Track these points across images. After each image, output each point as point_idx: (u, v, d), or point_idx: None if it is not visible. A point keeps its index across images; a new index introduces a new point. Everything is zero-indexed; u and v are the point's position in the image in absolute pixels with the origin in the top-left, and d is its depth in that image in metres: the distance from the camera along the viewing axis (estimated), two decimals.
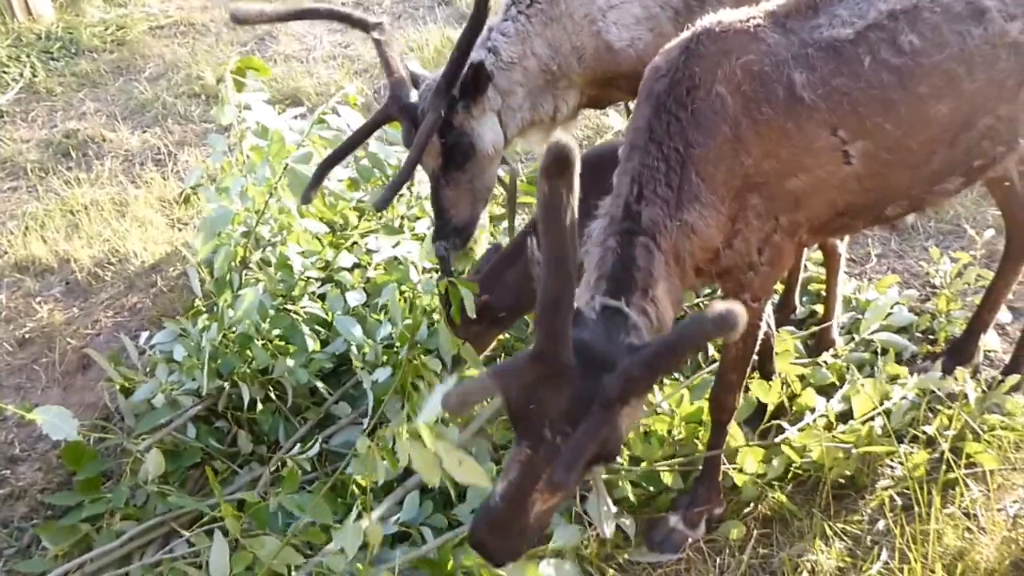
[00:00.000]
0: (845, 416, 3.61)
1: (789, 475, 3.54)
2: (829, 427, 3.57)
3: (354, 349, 3.90)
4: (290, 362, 3.87)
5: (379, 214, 4.96)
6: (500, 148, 3.96)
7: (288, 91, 7.30)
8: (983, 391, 3.74)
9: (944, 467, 3.39)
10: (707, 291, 4.38)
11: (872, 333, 4.15)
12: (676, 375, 4.04)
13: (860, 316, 4.29)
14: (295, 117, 4.77)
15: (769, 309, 3.67)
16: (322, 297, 4.29)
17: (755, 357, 3.62)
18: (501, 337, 4.08)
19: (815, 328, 4.27)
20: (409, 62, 4.02)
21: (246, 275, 4.20)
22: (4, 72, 7.96)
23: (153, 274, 5.30)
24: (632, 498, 3.43)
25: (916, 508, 3.29)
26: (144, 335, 4.56)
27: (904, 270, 4.85)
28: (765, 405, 3.60)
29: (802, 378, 3.85)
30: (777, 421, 3.57)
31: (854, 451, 3.47)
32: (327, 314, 4.20)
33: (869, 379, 3.69)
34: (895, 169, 2.99)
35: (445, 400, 2.24)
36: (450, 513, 3.41)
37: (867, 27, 2.89)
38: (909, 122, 2.92)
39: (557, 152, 2.04)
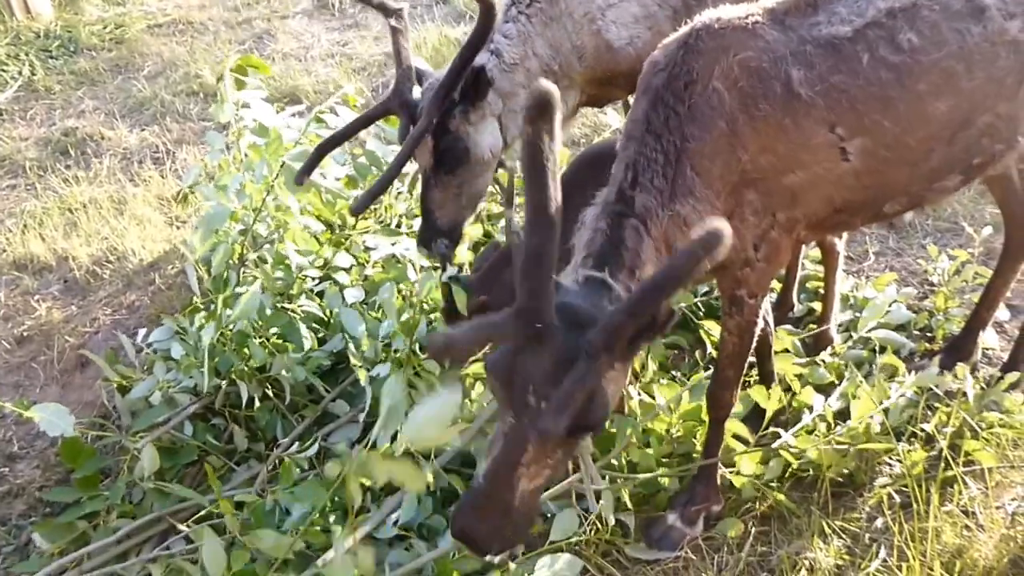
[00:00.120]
0: (843, 414, 3.61)
1: (787, 474, 3.54)
2: (828, 427, 3.56)
3: (351, 346, 3.89)
4: (288, 360, 3.87)
5: (378, 213, 4.96)
6: (497, 153, 3.96)
7: (286, 89, 7.30)
8: (981, 389, 3.74)
9: (943, 465, 3.39)
10: (704, 290, 4.38)
11: (870, 331, 4.15)
12: (675, 375, 4.04)
13: (858, 314, 4.28)
14: (293, 115, 4.77)
15: (768, 307, 3.67)
16: (320, 295, 4.29)
17: (754, 356, 3.64)
18: None
19: (813, 326, 4.27)
20: (416, 58, 4.01)
21: (244, 273, 4.20)
22: (3, 70, 7.97)
23: (151, 272, 5.30)
24: (628, 499, 3.42)
25: (915, 506, 3.28)
26: (142, 333, 4.55)
27: (902, 268, 4.85)
28: (764, 407, 3.59)
29: (800, 377, 3.85)
30: (775, 429, 3.56)
31: (852, 449, 3.47)
32: (325, 312, 4.20)
33: (868, 377, 3.69)
34: (893, 166, 2.99)
35: (430, 341, 2.22)
36: (449, 512, 3.40)
37: (866, 25, 2.88)
38: (908, 119, 2.91)
39: (538, 96, 2.06)
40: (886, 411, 3.54)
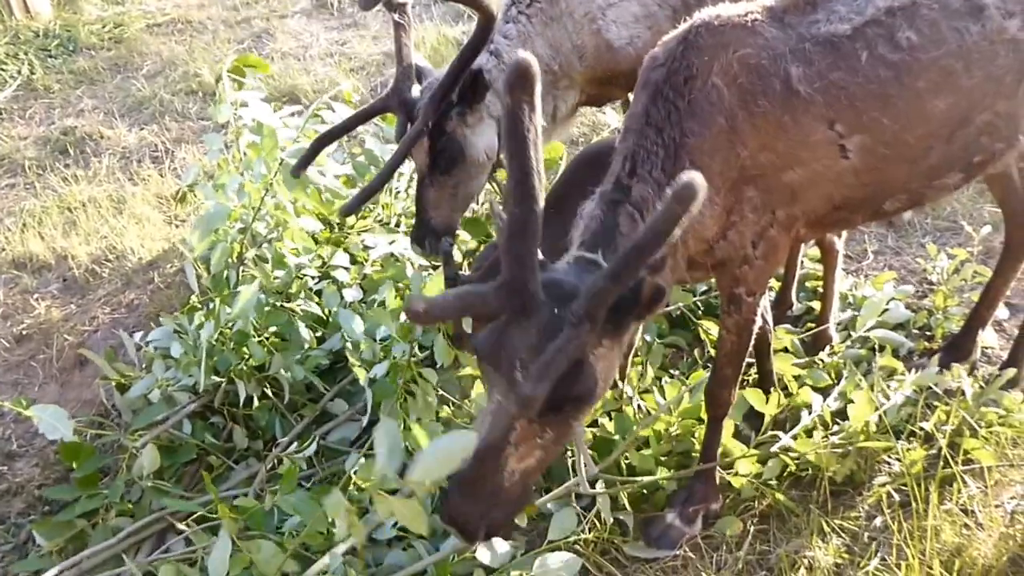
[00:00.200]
0: (842, 413, 3.61)
1: (786, 472, 3.53)
2: (826, 427, 3.56)
3: (349, 346, 3.89)
4: (286, 359, 3.87)
5: (376, 212, 4.96)
6: (493, 155, 3.97)
7: (285, 88, 7.30)
8: (980, 387, 3.73)
9: (942, 463, 3.38)
10: (703, 289, 4.38)
11: (869, 330, 4.14)
12: (674, 374, 4.04)
13: (857, 313, 4.28)
14: (291, 114, 4.77)
15: (767, 305, 3.67)
16: (318, 294, 4.29)
17: (753, 355, 3.64)
18: None
19: (812, 325, 4.27)
20: (416, 56, 4.01)
21: (243, 272, 4.20)
22: (2, 69, 7.97)
23: (150, 271, 5.30)
24: (626, 498, 3.42)
25: (914, 504, 3.27)
26: (141, 331, 4.55)
27: (901, 267, 4.85)
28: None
29: (798, 376, 3.85)
30: (775, 432, 3.55)
31: (851, 449, 3.47)
32: (323, 311, 4.20)
33: (867, 376, 3.69)
34: (892, 164, 2.99)
35: (409, 304, 2.21)
36: None
37: (865, 23, 2.89)
38: (907, 117, 2.92)
39: (519, 67, 2.06)
40: (885, 410, 3.54)
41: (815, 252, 4.53)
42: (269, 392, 3.93)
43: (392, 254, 4.37)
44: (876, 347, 4.07)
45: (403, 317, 3.76)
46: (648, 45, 3.77)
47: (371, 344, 3.83)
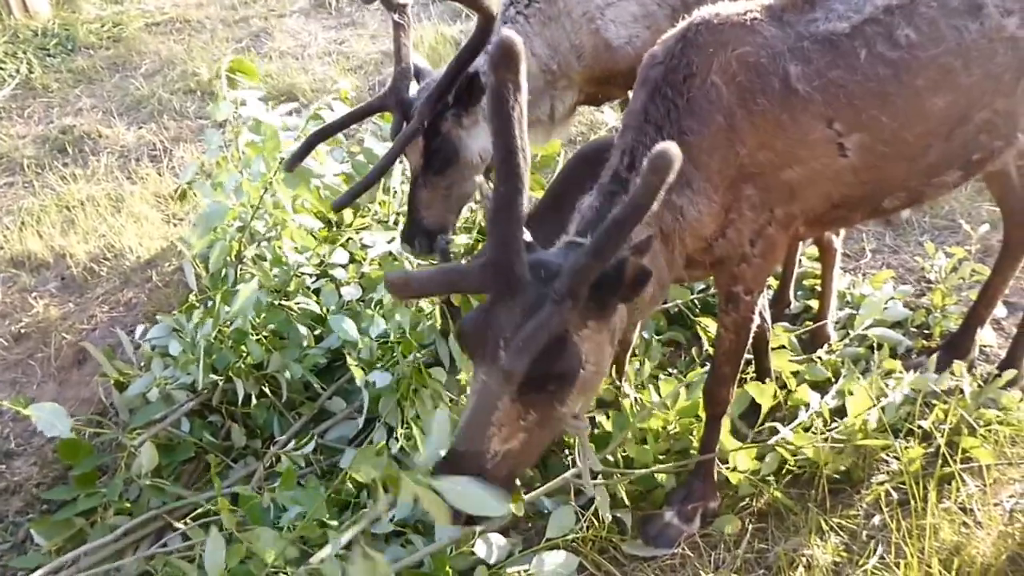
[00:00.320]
0: (840, 411, 3.61)
1: (784, 470, 3.54)
2: (824, 423, 3.56)
3: (348, 346, 3.89)
4: (285, 357, 3.87)
5: (374, 210, 4.96)
6: (487, 157, 3.96)
7: (283, 87, 7.30)
8: (979, 386, 3.74)
9: (940, 462, 3.38)
10: (701, 287, 4.37)
11: (867, 328, 4.14)
12: (672, 372, 4.04)
13: (855, 311, 4.28)
14: (290, 113, 4.77)
15: (764, 303, 3.67)
16: (317, 292, 4.28)
17: (751, 353, 3.64)
18: None
19: (810, 323, 4.27)
20: (415, 56, 4.02)
21: (241, 270, 4.20)
22: (1, 68, 7.96)
23: (148, 269, 5.29)
24: (625, 496, 3.41)
25: (912, 503, 3.27)
26: (139, 330, 4.53)
27: (899, 265, 4.85)
28: (760, 404, 3.59)
29: (796, 374, 3.85)
30: (772, 424, 3.56)
31: (849, 446, 3.47)
32: (322, 309, 4.20)
33: (865, 374, 3.69)
34: (891, 162, 2.99)
35: (391, 278, 2.21)
36: None
37: (863, 21, 2.89)
38: (905, 115, 2.92)
39: (503, 46, 2.06)
40: (883, 408, 3.54)
41: (813, 250, 4.53)
42: (267, 390, 3.93)
43: (390, 252, 4.37)
44: (874, 345, 4.07)
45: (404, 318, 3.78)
46: (647, 44, 3.78)
47: (368, 343, 3.83)
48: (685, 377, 3.75)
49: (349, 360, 3.74)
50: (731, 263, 3.03)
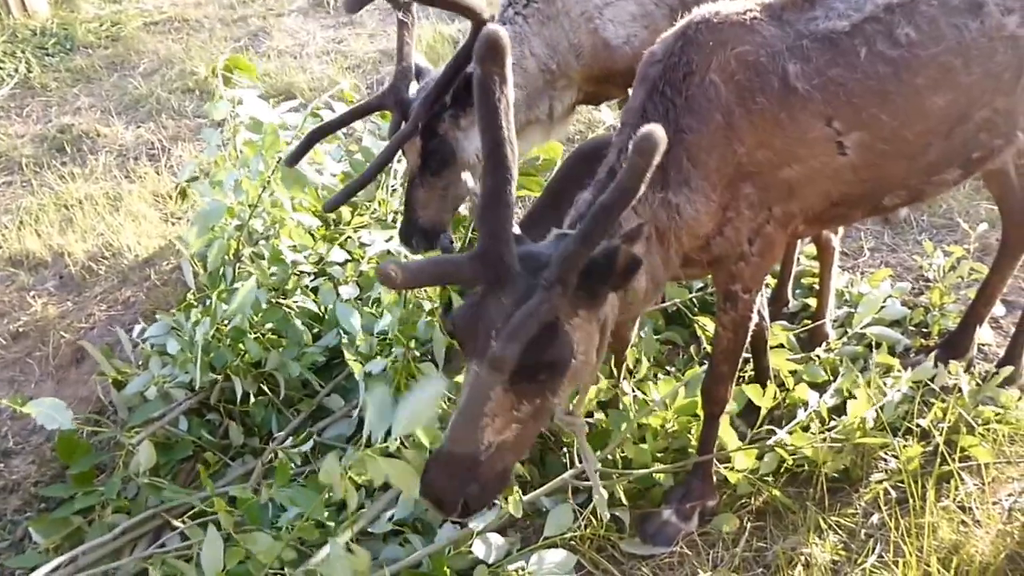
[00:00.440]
0: (839, 409, 3.61)
1: (782, 469, 3.53)
2: (822, 422, 3.56)
3: (346, 340, 3.88)
4: (283, 355, 3.87)
5: (373, 209, 4.96)
6: None
7: (282, 86, 7.29)
8: (977, 384, 3.74)
9: (939, 460, 3.38)
10: (699, 286, 4.37)
11: (865, 327, 4.14)
12: (670, 370, 4.04)
13: (853, 310, 4.28)
14: (288, 111, 4.77)
15: (763, 302, 3.67)
16: (315, 291, 4.28)
17: (749, 351, 3.64)
18: None
19: (808, 322, 4.27)
20: (417, 56, 4.01)
21: (239, 269, 4.20)
22: None
23: (147, 268, 5.29)
24: (623, 494, 3.41)
25: (911, 501, 3.27)
26: (137, 328, 4.53)
27: (897, 264, 4.85)
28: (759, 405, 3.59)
29: (795, 373, 3.85)
30: (770, 426, 3.55)
31: (847, 445, 3.47)
32: (320, 308, 4.19)
33: (863, 373, 3.69)
34: (891, 160, 2.99)
35: (383, 268, 2.21)
36: None
37: (863, 20, 2.89)
38: (905, 113, 2.92)
39: (489, 39, 2.07)
40: (881, 407, 3.54)
41: (811, 249, 4.53)
42: (265, 389, 3.93)
43: (388, 251, 4.37)
44: (872, 344, 4.07)
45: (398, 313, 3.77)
46: (645, 44, 3.78)
47: (368, 339, 3.83)
48: (683, 376, 3.75)
49: (347, 354, 3.74)
50: (729, 262, 3.03)
